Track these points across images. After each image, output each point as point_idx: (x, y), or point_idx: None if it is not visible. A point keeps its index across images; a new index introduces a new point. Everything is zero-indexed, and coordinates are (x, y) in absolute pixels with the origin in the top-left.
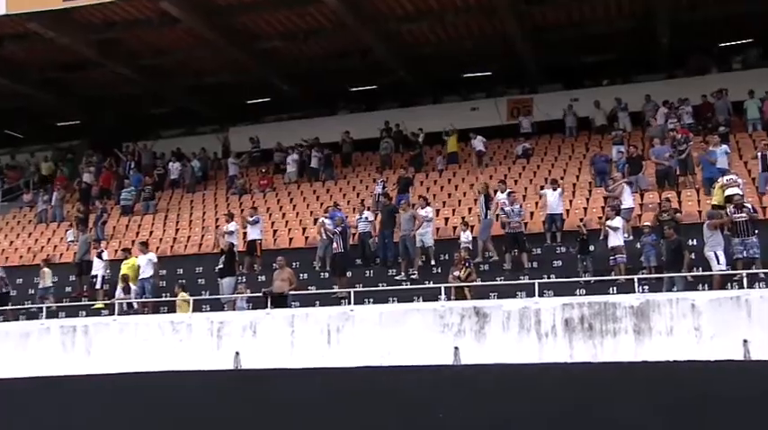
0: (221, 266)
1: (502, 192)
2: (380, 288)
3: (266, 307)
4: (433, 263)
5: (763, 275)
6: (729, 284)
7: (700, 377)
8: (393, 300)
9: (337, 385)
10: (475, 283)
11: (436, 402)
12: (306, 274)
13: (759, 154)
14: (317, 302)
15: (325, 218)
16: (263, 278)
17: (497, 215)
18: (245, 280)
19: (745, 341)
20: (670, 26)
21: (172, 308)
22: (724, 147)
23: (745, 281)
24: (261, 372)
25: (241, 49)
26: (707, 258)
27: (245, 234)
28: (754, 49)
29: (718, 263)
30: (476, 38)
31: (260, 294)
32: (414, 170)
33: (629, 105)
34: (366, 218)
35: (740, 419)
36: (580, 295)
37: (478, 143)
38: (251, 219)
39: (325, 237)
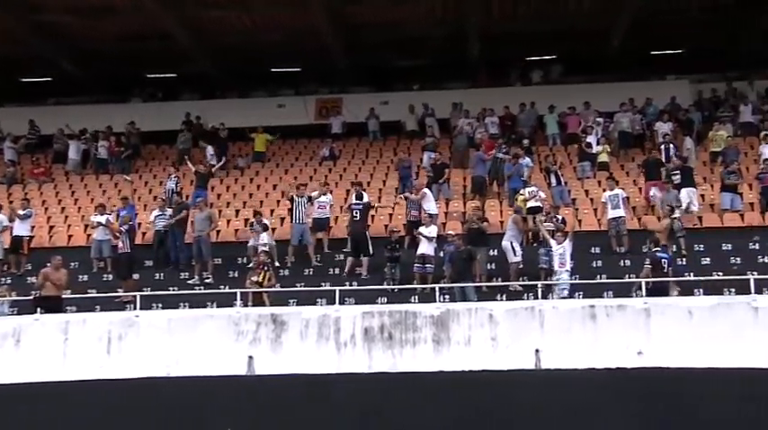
0: None
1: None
2: (170, 292)
3: (36, 312)
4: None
5: (566, 285)
6: (526, 295)
7: (495, 385)
8: (185, 306)
9: (116, 398)
10: (274, 289)
11: (226, 414)
12: (85, 276)
13: (546, 170)
14: (98, 307)
15: (97, 215)
16: (34, 280)
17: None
18: (10, 281)
19: (537, 350)
20: (480, 36)
21: None
22: (527, 159)
23: (540, 291)
24: (23, 387)
25: (16, 19)
26: (503, 249)
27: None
28: (557, 66)
29: (515, 254)
30: (285, 31)
31: (28, 298)
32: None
33: (439, 112)
34: (165, 215)
35: (532, 426)
36: (381, 304)
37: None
38: (22, 213)
39: (103, 237)
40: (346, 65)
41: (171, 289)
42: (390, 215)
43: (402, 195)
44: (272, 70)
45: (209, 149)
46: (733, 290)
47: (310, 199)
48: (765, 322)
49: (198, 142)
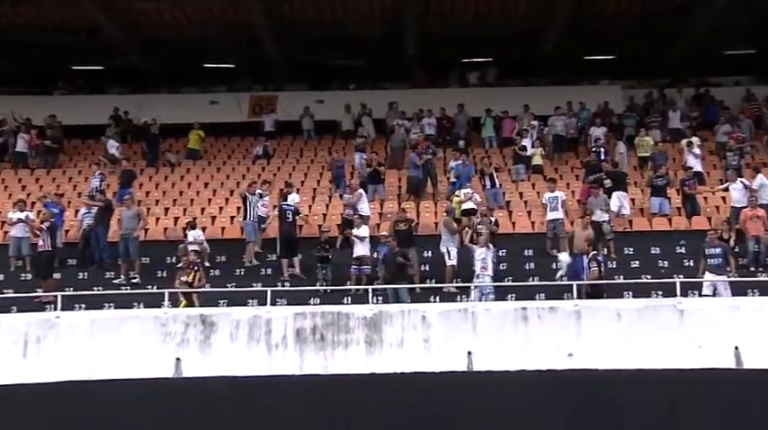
0: None
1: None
2: (94, 292)
3: None
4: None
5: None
6: (459, 297)
7: (427, 387)
8: (109, 307)
9: (31, 404)
10: (203, 289)
11: (153, 418)
12: (1, 275)
13: (483, 172)
14: (14, 308)
15: (16, 212)
16: None
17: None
18: None
19: (469, 352)
20: (418, 37)
21: None
22: (459, 161)
23: (473, 293)
24: None
25: None
26: (441, 253)
27: None
28: (492, 68)
29: (450, 258)
30: (219, 26)
31: None
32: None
33: (376, 112)
34: (92, 213)
35: (464, 428)
36: (314, 305)
37: (111, 147)
38: None
39: (23, 234)
40: (282, 62)
41: (95, 289)
42: (324, 215)
43: (338, 195)
44: (205, 66)
45: (111, 143)
46: (660, 292)
47: (261, 196)
48: (690, 324)
49: (126, 137)
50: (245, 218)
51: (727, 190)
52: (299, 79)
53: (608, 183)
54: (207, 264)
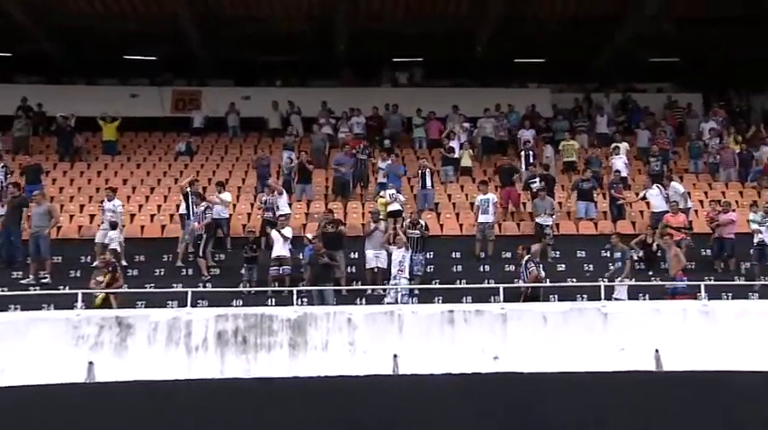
0: None
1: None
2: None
3: None
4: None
5: (417, 291)
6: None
7: (352, 391)
8: (16, 308)
9: None
10: (120, 290)
11: (64, 425)
12: None
13: (419, 171)
14: None
15: None
16: None
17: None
18: None
19: (395, 355)
20: (347, 34)
21: None
22: (388, 161)
23: (399, 295)
24: None
25: None
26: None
27: None
28: (422, 68)
29: (376, 260)
30: (141, 17)
31: None
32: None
33: (303, 110)
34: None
35: None
36: (237, 306)
37: None
38: None
39: None
40: (206, 56)
41: (0, 289)
42: (249, 215)
43: (260, 195)
44: (126, 57)
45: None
46: (585, 296)
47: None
48: (613, 327)
49: (38, 130)
50: (188, 217)
51: (644, 197)
52: (224, 74)
53: (536, 185)
54: (124, 262)
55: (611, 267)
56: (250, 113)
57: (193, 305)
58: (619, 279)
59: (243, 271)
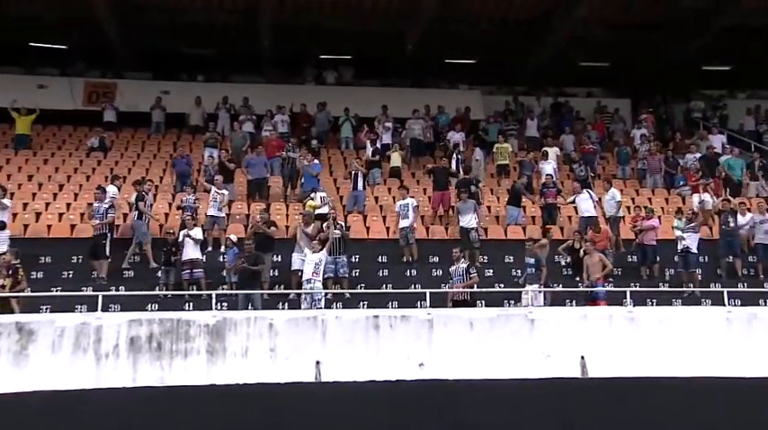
0: None
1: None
2: None
3: None
4: None
5: (348, 295)
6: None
7: (271, 399)
8: None
9: None
10: (23, 294)
11: None
12: None
13: (352, 173)
14: None
15: None
16: None
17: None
18: None
19: (317, 362)
20: (273, 29)
21: None
22: (316, 161)
23: (319, 302)
24: None
25: None
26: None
27: None
28: (351, 67)
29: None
30: (51, 3)
31: None
32: None
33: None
34: None
35: None
36: (152, 311)
37: None
38: None
39: None
40: (123, 47)
41: None
42: (166, 215)
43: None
44: (32, 44)
45: None
46: (513, 301)
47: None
48: (540, 334)
49: None
50: (140, 217)
51: (573, 202)
52: (142, 67)
53: (474, 188)
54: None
55: (521, 273)
56: (169, 109)
57: (105, 309)
58: (536, 286)
59: (160, 273)
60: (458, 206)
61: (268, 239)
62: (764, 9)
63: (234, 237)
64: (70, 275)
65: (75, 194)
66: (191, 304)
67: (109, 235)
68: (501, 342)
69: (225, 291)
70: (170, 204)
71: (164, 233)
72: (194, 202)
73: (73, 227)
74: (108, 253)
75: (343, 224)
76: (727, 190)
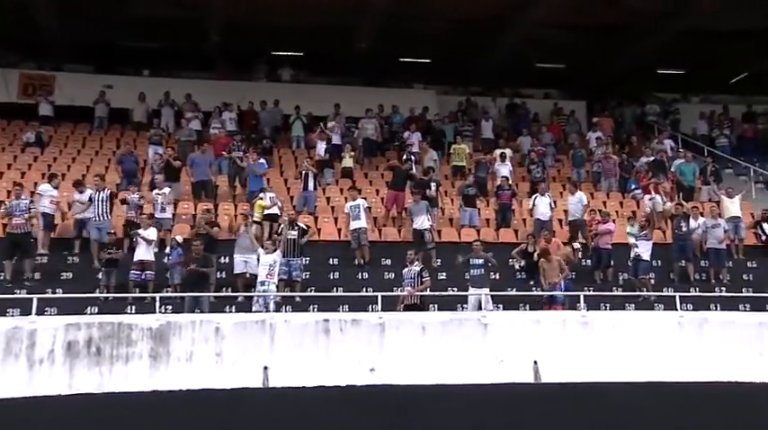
0: None
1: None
2: None
3: None
4: None
5: (299, 298)
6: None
7: (217, 405)
8: None
9: None
10: None
11: None
12: None
13: (302, 173)
14: None
15: None
16: None
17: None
18: None
19: (265, 367)
20: (222, 24)
21: None
22: (261, 161)
23: (270, 304)
24: None
25: None
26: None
27: None
28: (303, 64)
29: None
30: None
31: None
32: None
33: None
34: None
35: None
36: (92, 314)
37: None
38: None
39: None
40: (62, 38)
41: None
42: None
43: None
44: None
45: None
46: (466, 306)
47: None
48: (493, 338)
49: None
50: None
51: (533, 205)
52: (82, 59)
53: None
54: None
55: (467, 275)
56: (112, 104)
57: (40, 313)
58: (485, 290)
59: (100, 275)
60: (410, 207)
61: (212, 240)
62: (717, 13)
63: (180, 238)
64: (4, 277)
65: (8, 192)
66: (133, 307)
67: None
68: (453, 346)
69: (169, 294)
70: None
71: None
72: (139, 200)
73: (5, 226)
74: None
75: (303, 226)
76: (680, 194)
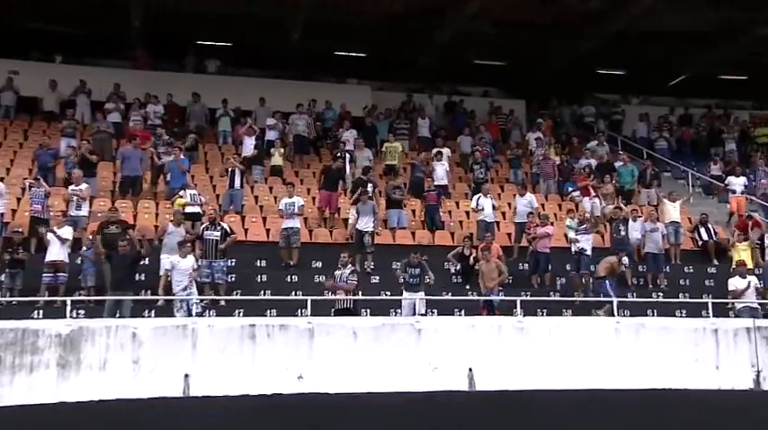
0: None
1: None
2: None
3: None
4: None
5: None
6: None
7: (132, 416)
8: None
9: None
10: None
11: None
12: None
13: (228, 170)
14: None
15: None
16: None
17: None
18: None
19: (186, 375)
20: (144, 9)
21: None
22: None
23: (194, 308)
24: None
25: None
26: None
27: None
28: (228, 55)
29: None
30: None
31: None
32: None
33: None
34: None
35: None
36: None
37: None
38: None
39: None
40: None
41: None
42: (14, 211)
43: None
44: None
45: None
46: (400, 311)
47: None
48: (427, 344)
49: None
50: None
51: (477, 206)
52: None
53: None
54: None
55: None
56: (21, 92)
57: None
58: (419, 294)
59: (3, 277)
60: (358, 207)
61: (136, 240)
62: (654, 13)
63: (92, 237)
64: None
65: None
66: (41, 312)
67: None
68: (386, 353)
69: (82, 297)
70: (19, 199)
71: (10, 231)
72: (44, 197)
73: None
74: None
75: (226, 227)
76: (619, 197)
